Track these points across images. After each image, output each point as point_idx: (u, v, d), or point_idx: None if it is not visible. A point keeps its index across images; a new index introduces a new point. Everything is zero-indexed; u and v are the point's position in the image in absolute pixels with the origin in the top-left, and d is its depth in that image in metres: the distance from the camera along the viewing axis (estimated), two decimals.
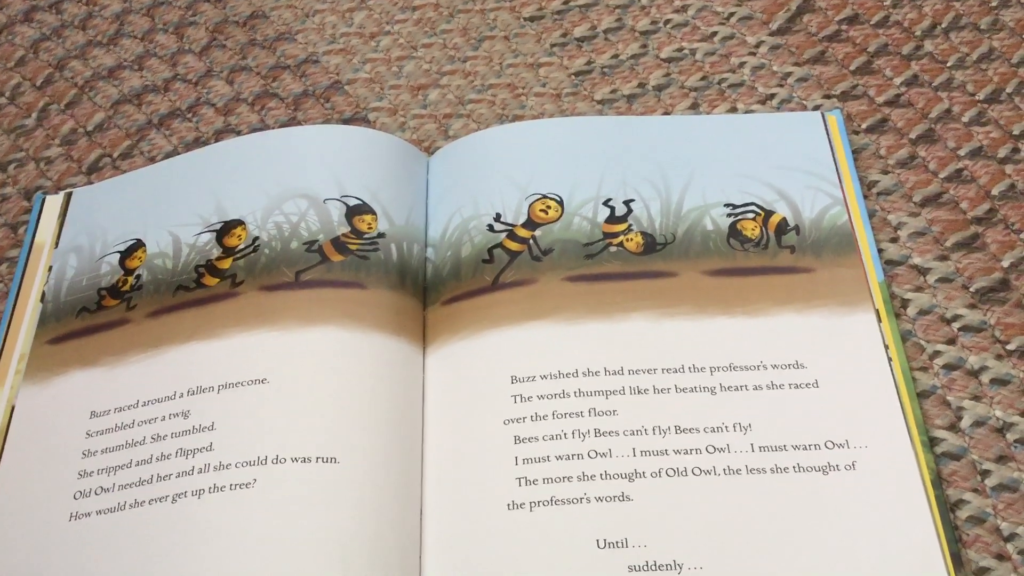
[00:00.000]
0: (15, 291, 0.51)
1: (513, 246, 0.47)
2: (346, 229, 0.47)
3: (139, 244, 0.49)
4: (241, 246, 0.47)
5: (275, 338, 0.44)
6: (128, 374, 0.45)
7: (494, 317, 0.45)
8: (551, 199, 0.48)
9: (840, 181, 0.48)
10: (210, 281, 0.47)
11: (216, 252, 0.48)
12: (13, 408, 0.46)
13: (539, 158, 0.49)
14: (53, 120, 0.58)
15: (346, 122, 0.55)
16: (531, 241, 0.47)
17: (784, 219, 0.47)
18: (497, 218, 0.48)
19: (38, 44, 0.62)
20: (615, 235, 0.47)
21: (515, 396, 0.42)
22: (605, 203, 0.48)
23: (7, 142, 0.58)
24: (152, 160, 0.55)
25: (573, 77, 0.56)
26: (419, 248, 0.48)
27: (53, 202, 0.53)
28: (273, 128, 0.56)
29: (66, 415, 0.45)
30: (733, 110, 0.53)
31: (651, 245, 0.47)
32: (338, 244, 0.47)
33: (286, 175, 0.49)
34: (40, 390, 0.46)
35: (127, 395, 0.44)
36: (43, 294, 0.50)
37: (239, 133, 0.56)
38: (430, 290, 0.47)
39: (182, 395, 0.43)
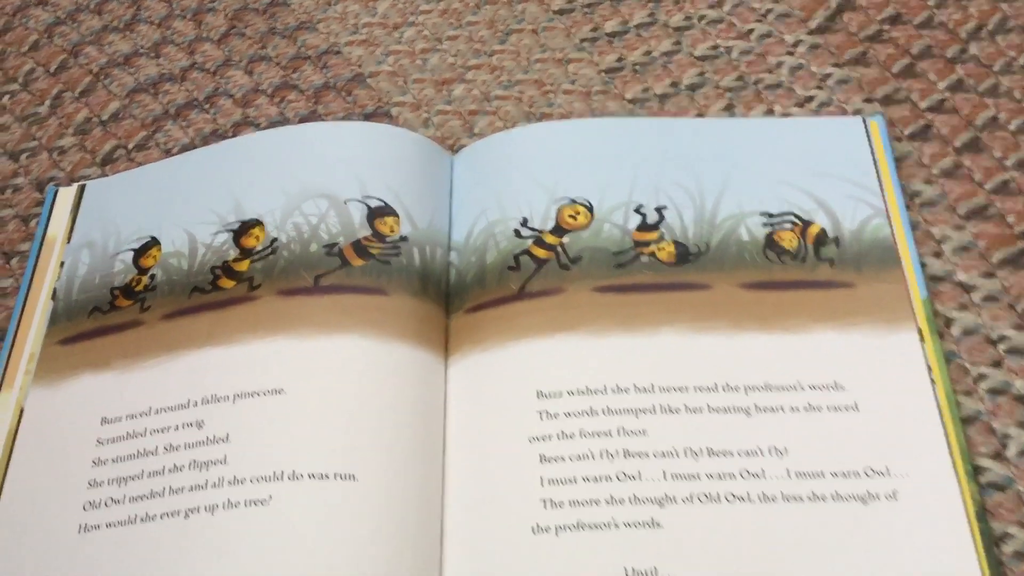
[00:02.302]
0: (26, 287, 0.49)
1: (540, 253, 0.45)
2: (367, 232, 0.46)
3: (154, 242, 0.48)
4: (259, 248, 0.46)
5: (292, 346, 0.42)
6: (141, 379, 0.43)
7: (520, 328, 0.43)
8: (580, 204, 0.46)
9: (882, 191, 0.46)
10: (226, 283, 0.45)
11: (233, 253, 0.46)
12: (22, 411, 0.45)
13: (568, 160, 0.48)
14: (67, 108, 0.56)
15: (368, 116, 0.54)
16: (559, 248, 0.45)
17: (823, 230, 0.45)
18: (524, 223, 0.46)
19: (52, 28, 0.60)
20: (646, 244, 0.45)
21: (541, 412, 0.41)
22: (636, 210, 0.46)
23: (19, 130, 0.56)
24: (168, 152, 0.54)
25: (603, 74, 0.54)
26: (442, 252, 0.46)
27: (66, 194, 0.52)
28: (293, 121, 0.54)
29: (76, 421, 0.43)
30: (770, 112, 0.51)
31: (684, 255, 0.45)
32: (359, 248, 0.45)
33: (306, 173, 0.47)
34: (50, 393, 0.45)
35: (139, 401, 0.43)
36: (54, 291, 0.48)
37: (258, 126, 0.54)
38: (453, 296, 0.45)
39: (196, 404, 0.42)
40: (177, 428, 0.41)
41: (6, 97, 0.57)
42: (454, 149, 0.52)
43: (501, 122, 0.53)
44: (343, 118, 0.54)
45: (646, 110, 0.52)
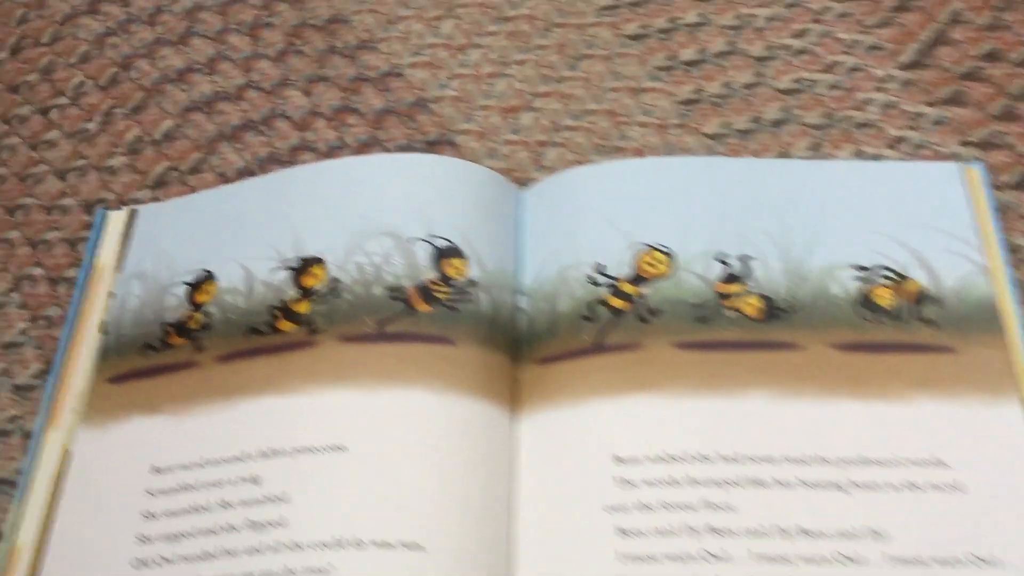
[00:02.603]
0: (73, 317, 0.47)
1: (617, 303, 0.43)
2: (434, 275, 0.43)
3: (209, 276, 0.46)
4: (319, 288, 0.43)
5: (355, 398, 0.40)
6: (195, 426, 0.41)
7: (595, 384, 0.41)
8: (660, 251, 0.44)
9: (983, 245, 0.43)
10: (285, 326, 0.43)
11: (292, 293, 0.44)
12: (69, 453, 0.43)
13: (646, 202, 0.45)
14: (117, 125, 0.54)
15: (431, 144, 0.51)
16: (637, 299, 0.43)
17: (922, 288, 0.42)
18: (599, 269, 0.43)
19: (103, 39, 0.58)
20: (731, 296, 0.43)
21: (618, 480, 0.38)
22: (719, 259, 0.43)
23: (68, 147, 0.54)
24: (223, 176, 0.52)
25: (680, 106, 0.51)
26: (511, 297, 0.44)
27: (116, 219, 0.50)
28: (352, 147, 0.51)
29: (126, 468, 0.41)
30: (860, 154, 0.49)
31: (772, 311, 0.42)
32: (425, 292, 0.43)
33: (369, 209, 0.45)
34: (98, 435, 0.43)
35: (193, 451, 0.41)
36: (104, 324, 0.46)
37: (315, 151, 0.52)
38: (523, 345, 0.43)
39: (253, 457, 0.40)
40: (233, 483, 0.39)
41: (54, 111, 0.55)
42: (522, 183, 0.49)
43: (571, 154, 0.50)
44: (405, 146, 0.51)
45: (726, 147, 0.49)
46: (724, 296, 0.43)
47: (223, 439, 0.41)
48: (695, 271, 0.43)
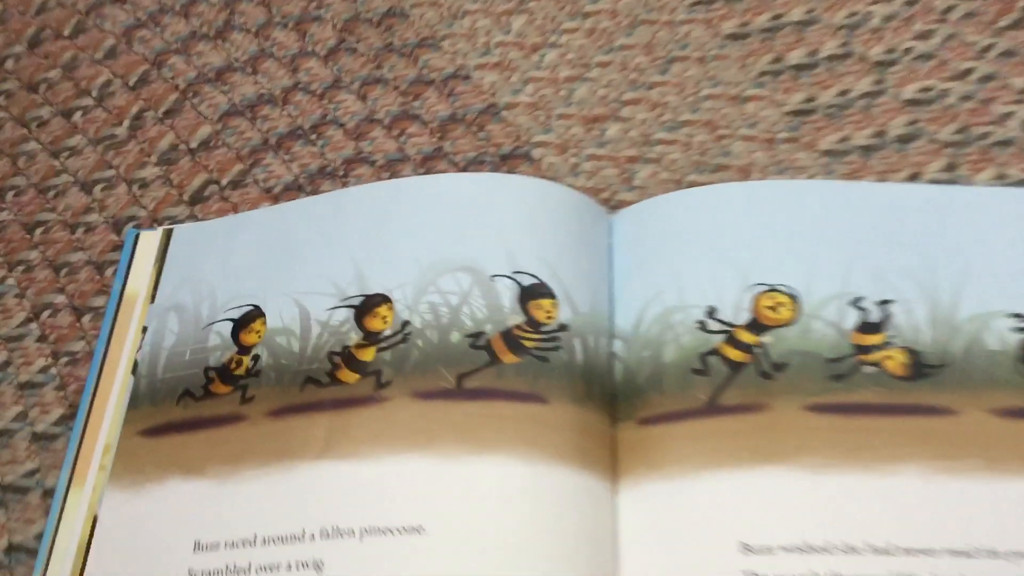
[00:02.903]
0: (100, 355, 0.41)
1: (734, 355, 0.37)
2: (520, 319, 0.37)
3: (257, 313, 0.40)
4: (387, 332, 0.38)
5: (433, 467, 0.34)
6: (243, 494, 0.36)
7: (712, 453, 0.35)
8: (782, 293, 0.38)
9: None
10: (348, 376, 0.37)
11: (355, 336, 0.38)
12: (96, 519, 0.37)
13: (763, 233, 0.39)
14: (149, 131, 0.48)
15: (504, 158, 0.45)
16: (758, 350, 0.37)
17: None
18: (711, 313, 0.38)
19: (131, 32, 0.52)
20: (870, 349, 0.37)
21: (748, 575, 0.33)
22: (854, 303, 0.37)
23: (93, 155, 0.48)
24: (268, 192, 0.46)
25: (789, 117, 0.45)
26: (606, 343, 0.38)
27: (149, 240, 0.44)
28: (414, 160, 0.45)
29: (163, 543, 0.35)
30: (1001, 177, 0.42)
31: (919, 367, 0.36)
32: (511, 340, 0.37)
33: (443, 239, 0.39)
34: (130, 499, 0.37)
35: (242, 525, 0.35)
36: (135, 364, 0.41)
37: (372, 163, 0.46)
38: (621, 400, 0.37)
39: (314, 537, 0.34)
40: (290, 568, 0.33)
41: (78, 114, 0.49)
42: (611, 205, 0.43)
43: (665, 172, 0.44)
44: (475, 159, 0.45)
45: (845, 165, 0.43)
46: (862, 349, 0.36)
47: (277, 512, 0.35)
48: (825, 317, 0.37)
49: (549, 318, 0.37)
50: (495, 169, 0.45)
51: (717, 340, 0.37)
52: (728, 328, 0.37)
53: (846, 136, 0.44)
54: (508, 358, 0.36)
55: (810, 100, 0.45)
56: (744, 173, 0.43)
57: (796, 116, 0.45)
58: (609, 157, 0.45)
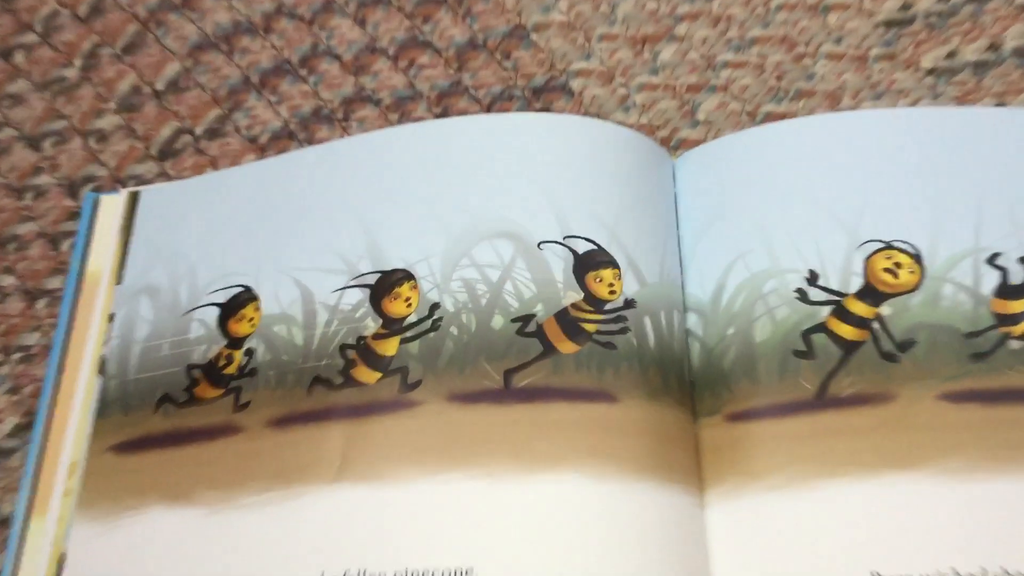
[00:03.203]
0: (59, 351, 0.34)
1: (846, 332, 0.30)
2: (577, 296, 0.30)
3: (249, 296, 0.32)
4: (412, 318, 0.31)
5: (480, 491, 0.27)
6: (241, 527, 0.29)
7: (825, 457, 0.28)
8: (901, 251, 0.30)
9: None
10: (366, 375, 0.30)
11: (372, 325, 0.31)
12: (63, 557, 0.31)
13: (869, 177, 0.31)
14: (105, 71, 0.40)
15: (537, 92, 0.38)
16: (876, 325, 0.30)
17: None
18: (813, 279, 0.31)
19: None
20: (1015, 319, 0.30)
21: None
22: (991, 261, 0.30)
23: (40, 103, 0.40)
24: (253, 142, 0.38)
25: (882, 29, 0.37)
26: (679, 318, 0.31)
27: (111, 205, 0.36)
28: (428, 96, 0.38)
29: None
30: None
31: None
32: (567, 323, 0.30)
33: (475, 199, 0.31)
34: (103, 531, 0.30)
35: (240, 567, 0.28)
36: (102, 361, 0.34)
37: (378, 103, 0.38)
38: (700, 389, 0.30)
39: None
40: None
41: (19, 53, 0.41)
42: (671, 146, 0.36)
43: (736, 103, 0.36)
44: (502, 95, 0.38)
45: (956, 86, 0.36)
46: (1005, 319, 0.29)
47: (285, 550, 0.28)
48: (956, 280, 0.30)
49: (612, 293, 0.30)
50: (526, 106, 0.37)
51: (823, 313, 0.30)
52: (836, 298, 0.30)
53: (953, 50, 0.36)
54: (566, 346, 0.29)
55: (906, 7, 0.37)
56: (833, 100, 0.36)
57: (890, 27, 0.37)
58: (665, 86, 0.37)
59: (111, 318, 0.34)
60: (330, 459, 0.29)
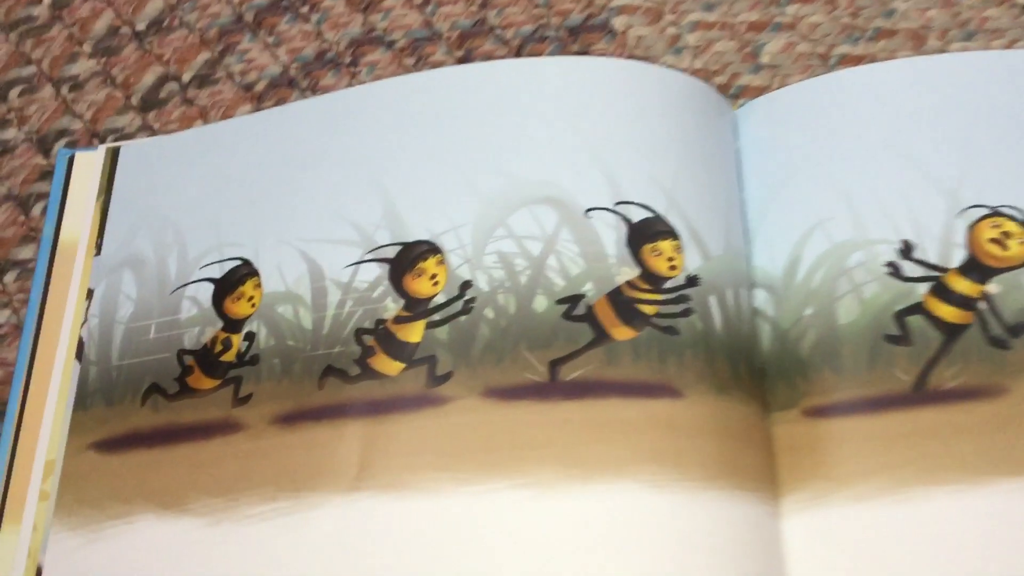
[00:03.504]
0: (32, 331, 0.30)
1: (947, 313, 0.26)
2: (633, 272, 0.26)
3: (248, 270, 0.28)
4: (440, 299, 0.26)
5: (524, 504, 0.23)
6: (244, 541, 0.25)
7: (926, 462, 0.24)
8: (1010, 218, 0.26)
9: None
10: (387, 365, 0.26)
11: (393, 306, 0.27)
12: (40, 570, 0.27)
13: (973, 133, 0.27)
14: (79, 9, 0.36)
15: (574, 32, 0.33)
16: (983, 305, 0.26)
17: None
18: (907, 251, 0.26)
19: None
20: None
21: None
22: None
23: (4, 46, 0.36)
24: (248, 90, 0.34)
25: None
26: (747, 295, 0.27)
27: (88, 163, 0.32)
28: (449, 37, 0.33)
29: None
30: None
31: None
32: (622, 304, 0.26)
33: (512, 158, 0.27)
34: (85, 543, 0.26)
35: None
36: (80, 344, 0.29)
37: (391, 46, 0.34)
38: (773, 379, 0.26)
39: None
40: None
41: None
42: (730, 94, 0.32)
43: (805, 44, 0.32)
44: (533, 35, 0.33)
45: None
46: None
47: (296, 570, 0.24)
48: None
49: (673, 268, 0.26)
50: (562, 48, 0.33)
51: (919, 291, 0.26)
52: (935, 273, 0.26)
53: None
54: (621, 332, 0.25)
55: None
56: (917, 40, 0.31)
57: None
58: (722, 24, 0.32)
59: (89, 294, 0.30)
60: (346, 464, 0.25)
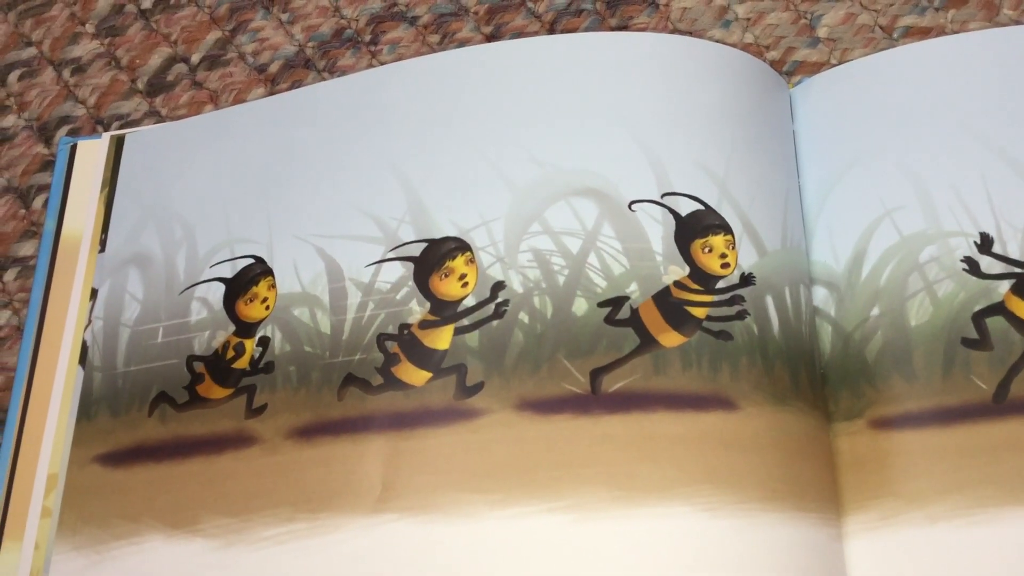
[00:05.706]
0: (33, 334, 0.28)
1: None
2: (681, 271, 0.24)
3: (261, 269, 0.26)
4: (470, 302, 0.24)
5: (563, 528, 0.21)
6: (259, 564, 0.23)
7: (1005, 477, 0.22)
8: None
9: None
10: (412, 375, 0.24)
11: (419, 310, 0.25)
12: None
13: None
14: None
15: (612, 5, 0.31)
16: None
17: None
18: (986, 245, 0.24)
19: None
20: None
21: None
22: None
23: (3, 26, 0.34)
24: (262, 72, 0.32)
25: None
26: (806, 294, 0.25)
27: (91, 153, 0.30)
28: (472, 11, 0.31)
29: None
30: None
31: None
32: (670, 307, 0.24)
33: (547, 145, 0.25)
34: (90, 564, 0.24)
35: None
36: (83, 348, 0.28)
37: (414, 22, 0.31)
38: (834, 386, 0.24)
39: None
40: None
41: None
42: (784, 71, 0.29)
43: (867, 15, 0.29)
44: (567, 9, 0.31)
45: None
46: None
47: None
48: None
49: (726, 266, 0.24)
50: (600, 22, 0.30)
51: (1000, 290, 0.24)
52: (1018, 270, 0.24)
53: None
54: (669, 337, 0.23)
55: None
56: (989, 10, 0.29)
57: None
58: None
59: (93, 294, 0.28)
60: (368, 483, 0.23)
